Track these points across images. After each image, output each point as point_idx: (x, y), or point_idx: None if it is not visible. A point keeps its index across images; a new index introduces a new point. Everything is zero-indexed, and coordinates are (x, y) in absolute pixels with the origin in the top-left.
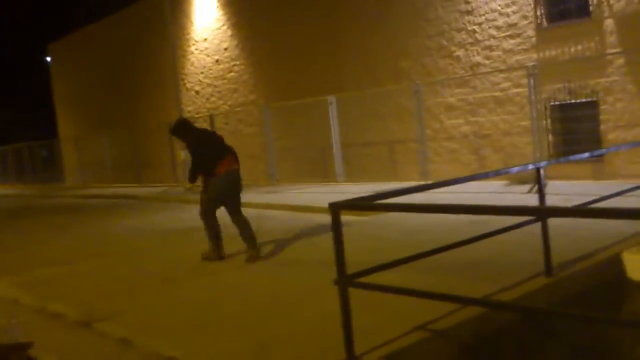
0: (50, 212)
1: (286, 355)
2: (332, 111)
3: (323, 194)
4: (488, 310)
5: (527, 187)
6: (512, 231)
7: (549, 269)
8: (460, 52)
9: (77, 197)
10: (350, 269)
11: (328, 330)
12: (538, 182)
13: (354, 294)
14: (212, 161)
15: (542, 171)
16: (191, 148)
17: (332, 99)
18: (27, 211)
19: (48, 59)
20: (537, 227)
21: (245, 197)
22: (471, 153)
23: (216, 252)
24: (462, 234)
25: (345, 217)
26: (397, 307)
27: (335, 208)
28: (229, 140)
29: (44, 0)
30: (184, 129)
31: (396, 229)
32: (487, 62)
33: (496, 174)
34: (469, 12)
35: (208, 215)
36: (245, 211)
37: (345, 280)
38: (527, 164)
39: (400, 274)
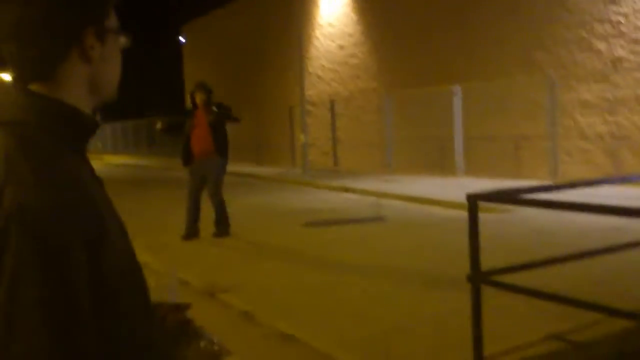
0: (176, 184)
1: (406, 346)
2: (456, 101)
3: (441, 187)
4: (633, 326)
5: None
6: None
7: None
8: (601, 45)
9: None
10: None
11: (449, 327)
12: None
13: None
14: None
15: None
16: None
17: (456, 88)
18: (155, 182)
19: (182, 39)
20: None
21: (362, 184)
22: (606, 155)
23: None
24: (595, 240)
25: (463, 213)
26: (525, 311)
27: (473, 199)
28: (347, 126)
29: None
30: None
31: (524, 228)
32: (631, 57)
33: None
34: (613, 2)
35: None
36: (362, 198)
37: (479, 278)
38: None
39: (530, 275)
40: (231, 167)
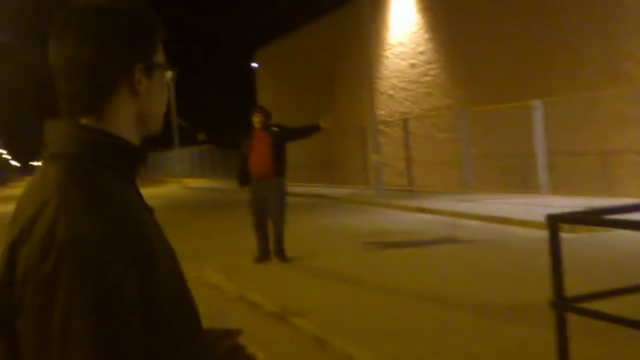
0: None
1: None
2: (537, 117)
3: (523, 206)
4: None
5: None
6: None
7: None
8: None
9: None
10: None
11: (533, 357)
12: None
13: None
14: None
15: None
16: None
17: (537, 103)
18: (231, 203)
19: (255, 65)
20: None
21: (437, 204)
22: None
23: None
24: None
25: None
26: (614, 340)
27: (553, 221)
28: (422, 145)
29: (251, 10)
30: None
31: (615, 250)
32: None
33: None
34: None
35: None
36: (437, 219)
37: (563, 304)
38: None
39: (617, 303)
40: (302, 188)
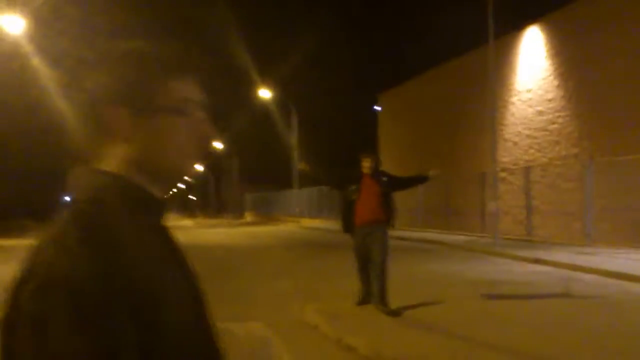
0: None
1: None
2: None
3: None
4: None
5: None
6: None
7: None
8: None
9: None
10: None
11: None
12: None
13: None
14: None
15: None
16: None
17: None
18: (343, 246)
19: (378, 108)
20: None
21: (555, 255)
22: None
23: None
24: None
25: None
26: None
27: None
28: (544, 194)
29: (376, 52)
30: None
31: None
32: None
33: None
34: None
35: None
36: (554, 271)
37: None
38: None
39: None
40: (418, 233)
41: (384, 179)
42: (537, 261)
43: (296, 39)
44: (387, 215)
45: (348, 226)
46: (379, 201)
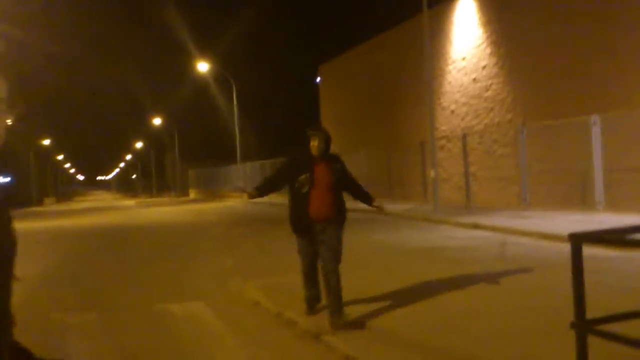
0: None
1: None
2: (595, 132)
3: (579, 223)
4: None
5: None
6: None
7: None
8: None
9: None
10: (596, 312)
11: None
12: None
13: (595, 343)
14: None
15: None
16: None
17: (595, 118)
18: (285, 219)
19: (318, 79)
20: None
21: (492, 220)
22: None
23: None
24: None
25: (600, 251)
26: None
27: (577, 239)
28: (482, 161)
29: (314, 25)
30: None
31: None
32: None
33: None
34: None
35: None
36: (489, 235)
37: (584, 326)
38: None
39: None
40: (361, 203)
41: (337, 165)
42: (476, 226)
43: (235, 14)
44: (341, 210)
45: (300, 225)
46: (333, 193)
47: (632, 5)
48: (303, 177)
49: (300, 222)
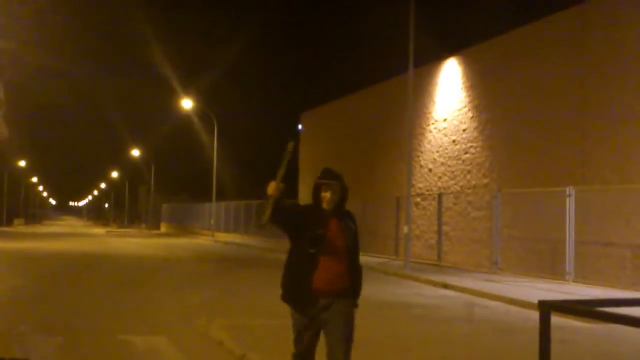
0: (277, 266)
1: None
2: (570, 204)
3: (546, 292)
4: None
5: None
6: None
7: None
8: None
9: None
10: None
11: None
12: None
13: None
14: None
15: None
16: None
17: (570, 190)
18: (257, 262)
19: (299, 126)
20: None
21: (461, 280)
22: None
23: None
24: None
25: (570, 322)
26: None
27: (546, 307)
28: (456, 221)
29: (297, 74)
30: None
31: (630, 346)
32: None
33: None
34: None
35: None
36: (458, 296)
37: None
38: None
39: None
40: None
41: (353, 226)
42: (445, 286)
43: (222, 55)
44: (356, 281)
45: (298, 293)
46: (347, 259)
47: (600, 95)
48: (318, 232)
49: (302, 292)
